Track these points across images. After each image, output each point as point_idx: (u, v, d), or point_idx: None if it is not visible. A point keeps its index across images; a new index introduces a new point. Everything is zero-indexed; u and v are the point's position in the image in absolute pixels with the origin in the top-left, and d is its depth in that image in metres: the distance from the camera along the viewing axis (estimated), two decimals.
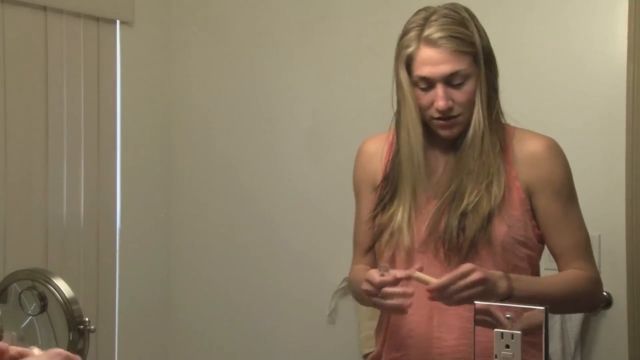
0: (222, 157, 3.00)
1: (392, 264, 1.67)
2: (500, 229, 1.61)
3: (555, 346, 2.25)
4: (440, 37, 1.58)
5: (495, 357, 1.29)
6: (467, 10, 1.63)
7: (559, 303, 1.60)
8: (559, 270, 1.68)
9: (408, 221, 1.66)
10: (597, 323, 2.30)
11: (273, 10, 2.90)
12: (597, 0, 2.32)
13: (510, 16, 2.45)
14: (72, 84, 2.73)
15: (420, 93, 1.62)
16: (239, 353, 2.94)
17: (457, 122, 1.62)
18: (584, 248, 1.69)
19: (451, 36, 1.58)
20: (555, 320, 2.26)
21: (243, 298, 2.96)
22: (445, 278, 1.48)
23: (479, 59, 1.61)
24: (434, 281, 1.49)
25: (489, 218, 1.60)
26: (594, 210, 2.32)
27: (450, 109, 1.60)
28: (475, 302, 1.34)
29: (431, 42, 1.58)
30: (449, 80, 1.59)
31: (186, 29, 3.08)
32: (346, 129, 2.70)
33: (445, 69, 1.58)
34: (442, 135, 1.64)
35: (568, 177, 1.68)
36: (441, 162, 1.68)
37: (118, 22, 2.89)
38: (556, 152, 1.68)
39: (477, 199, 1.61)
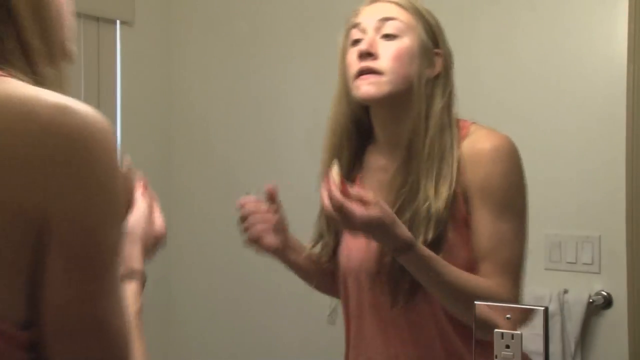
0: (222, 157, 3.00)
1: (345, 288, 1.61)
2: (445, 238, 1.48)
3: (555, 347, 2.25)
4: None
5: (496, 357, 1.29)
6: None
7: (454, 297, 1.44)
8: None
9: (333, 238, 1.58)
10: (597, 324, 2.31)
11: (273, 10, 2.90)
12: (597, 1, 2.32)
13: (510, 16, 2.45)
14: (73, 84, 2.72)
15: (350, 51, 1.51)
16: (239, 354, 2.94)
17: (377, 81, 1.47)
18: (508, 267, 1.49)
19: None
20: (556, 320, 2.26)
21: (243, 299, 2.96)
22: (340, 197, 1.33)
23: (420, 28, 1.50)
24: (334, 186, 1.35)
25: (435, 229, 1.46)
26: (594, 211, 2.33)
27: (371, 55, 1.46)
28: (476, 302, 1.34)
29: None
30: (380, 29, 1.48)
31: (186, 29, 3.08)
32: None
33: (378, 13, 1.49)
34: (360, 95, 1.48)
35: (507, 186, 1.50)
36: (391, 163, 1.54)
37: (118, 22, 2.89)
38: (501, 155, 1.50)
39: (425, 205, 1.46)
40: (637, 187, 2.12)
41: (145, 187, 1.13)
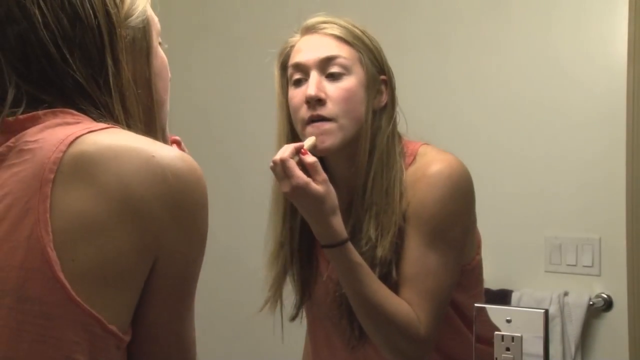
0: (223, 158, 3.00)
1: (313, 327, 1.60)
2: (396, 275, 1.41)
3: (555, 349, 2.25)
4: (320, 22, 1.44)
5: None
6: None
7: (368, 311, 1.37)
8: None
9: (284, 274, 1.52)
10: (597, 326, 2.30)
11: (273, 11, 2.90)
12: (597, 3, 2.32)
13: (509, 18, 2.45)
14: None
15: (293, 93, 1.44)
16: (239, 354, 2.94)
17: (330, 129, 1.39)
18: (428, 298, 1.39)
19: (333, 22, 1.43)
20: (556, 323, 2.26)
21: (243, 299, 2.95)
22: (287, 150, 1.31)
23: (365, 58, 1.41)
24: (290, 146, 1.32)
25: (387, 269, 1.40)
26: (594, 213, 2.33)
27: (320, 101, 1.38)
28: (475, 304, 1.34)
29: (310, 29, 1.44)
30: (325, 69, 1.40)
31: (186, 31, 3.08)
32: None
33: (320, 52, 1.40)
34: (318, 151, 1.40)
35: (444, 213, 1.40)
36: (340, 204, 1.39)
37: None
38: (440, 181, 1.40)
39: (367, 248, 1.40)
40: (637, 189, 2.11)
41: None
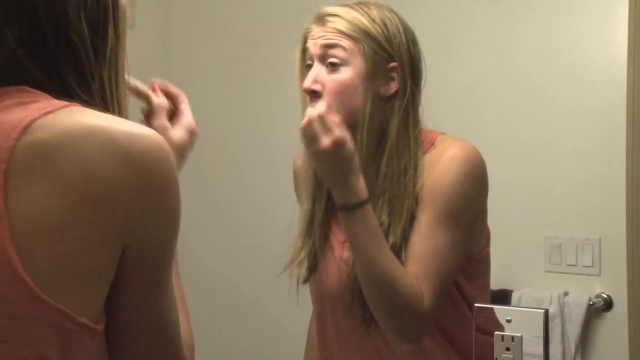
0: (222, 158, 3.01)
1: (321, 312, 1.61)
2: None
3: (555, 349, 2.25)
4: (329, 14, 1.48)
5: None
6: (389, 10, 1.49)
7: (375, 278, 1.39)
8: None
9: (300, 242, 1.55)
10: (597, 326, 2.30)
11: (273, 12, 2.90)
12: (597, 3, 2.32)
13: (509, 18, 2.45)
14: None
15: (304, 76, 1.49)
16: (239, 355, 2.94)
17: None
18: (432, 276, 1.41)
19: (337, 15, 1.46)
20: (556, 323, 2.26)
21: (243, 299, 2.96)
22: (320, 114, 1.34)
23: (366, 49, 1.44)
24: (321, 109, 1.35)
25: (397, 252, 1.42)
26: (594, 213, 2.33)
27: (315, 92, 1.44)
28: (476, 304, 1.34)
29: (319, 19, 1.49)
30: (324, 59, 1.45)
31: (186, 32, 3.08)
32: None
33: (320, 41, 1.46)
34: None
35: (455, 196, 1.43)
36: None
37: None
38: (457, 164, 1.44)
39: (383, 229, 1.42)
40: (637, 189, 2.12)
41: (158, 89, 1.24)
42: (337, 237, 1.53)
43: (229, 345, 2.97)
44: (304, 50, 1.51)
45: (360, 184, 1.38)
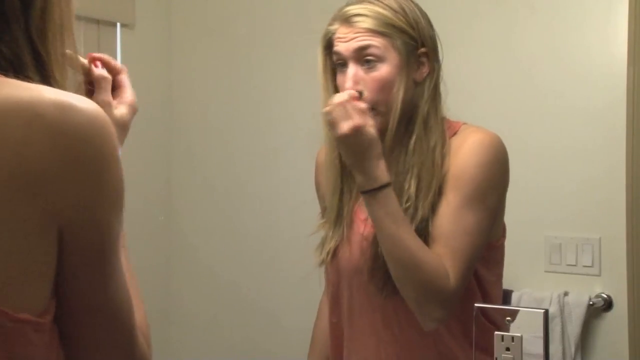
0: (223, 159, 3.01)
1: (337, 289, 1.64)
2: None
3: (555, 349, 2.25)
4: (354, 15, 1.52)
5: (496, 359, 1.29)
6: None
7: (399, 258, 1.45)
8: None
9: (329, 248, 1.61)
10: (597, 326, 2.31)
11: (273, 13, 2.90)
12: (597, 3, 2.32)
13: (509, 18, 2.45)
14: (73, 87, 2.73)
15: (340, 77, 1.55)
16: (239, 355, 2.94)
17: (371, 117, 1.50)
18: (460, 256, 1.47)
19: (363, 14, 1.51)
20: (556, 323, 2.26)
21: (243, 300, 2.96)
22: (344, 100, 1.43)
23: (397, 42, 1.51)
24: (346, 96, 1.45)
25: (425, 226, 1.49)
26: (594, 213, 2.33)
27: (358, 93, 1.50)
28: (476, 304, 1.35)
29: (345, 20, 1.53)
30: (359, 60, 1.51)
31: (187, 32, 3.08)
32: None
33: (353, 44, 1.51)
34: None
35: (481, 178, 1.50)
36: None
37: (119, 24, 2.89)
38: (482, 148, 1.51)
39: (409, 205, 1.49)
40: (637, 189, 2.12)
41: (99, 63, 1.14)
42: (359, 215, 1.59)
43: (229, 346, 2.97)
44: (328, 50, 1.56)
45: (381, 169, 1.44)
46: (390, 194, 1.45)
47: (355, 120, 1.42)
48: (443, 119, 1.57)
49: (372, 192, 1.45)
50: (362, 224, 1.57)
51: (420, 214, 1.49)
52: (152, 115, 3.05)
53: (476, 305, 1.34)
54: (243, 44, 2.95)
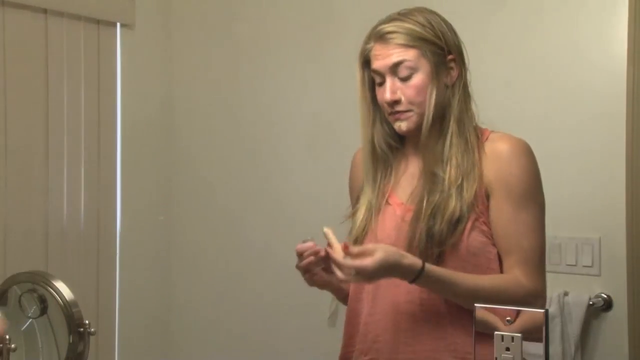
0: (222, 159, 3.01)
1: None
2: (469, 234, 1.64)
3: (555, 349, 2.25)
4: (387, 32, 1.69)
5: (496, 359, 1.29)
6: (428, 12, 1.72)
7: (474, 300, 1.48)
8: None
9: (365, 225, 1.73)
10: (597, 326, 2.30)
11: (274, 13, 2.90)
12: (597, 3, 2.32)
13: (510, 18, 2.45)
14: (73, 87, 2.73)
15: (379, 91, 1.72)
16: (239, 356, 2.94)
17: (408, 117, 1.69)
18: (529, 257, 1.65)
19: (396, 32, 1.68)
20: (556, 323, 2.26)
21: (243, 301, 2.96)
22: (348, 263, 1.54)
23: (428, 53, 1.67)
24: (336, 254, 1.56)
25: (457, 223, 1.63)
26: (594, 213, 2.33)
27: (396, 102, 1.68)
28: (476, 305, 1.34)
29: (380, 38, 1.69)
30: (396, 73, 1.67)
31: (187, 32, 3.09)
32: (346, 133, 2.69)
33: (388, 60, 1.68)
34: (397, 129, 1.71)
35: (527, 179, 1.67)
36: (417, 167, 1.73)
37: (119, 24, 2.89)
38: (520, 153, 1.68)
39: (442, 204, 1.64)
40: (636, 189, 2.12)
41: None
42: (396, 200, 1.73)
43: (229, 345, 2.97)
44: (364, 65, 1.73)
45: (409, 262, 1.56)
46: (430, 271, 1.57)
47: (375, 273, 1.54)
48: (473, 116, 1.73)
49: (417, 280, 1.57)
50: (400, 209, 1.71)
51: (466, 195, 1.63)
52: (151, 115, 3.05)
53: (476, 305, 1.34)
54: (243, 44, 2.95)
